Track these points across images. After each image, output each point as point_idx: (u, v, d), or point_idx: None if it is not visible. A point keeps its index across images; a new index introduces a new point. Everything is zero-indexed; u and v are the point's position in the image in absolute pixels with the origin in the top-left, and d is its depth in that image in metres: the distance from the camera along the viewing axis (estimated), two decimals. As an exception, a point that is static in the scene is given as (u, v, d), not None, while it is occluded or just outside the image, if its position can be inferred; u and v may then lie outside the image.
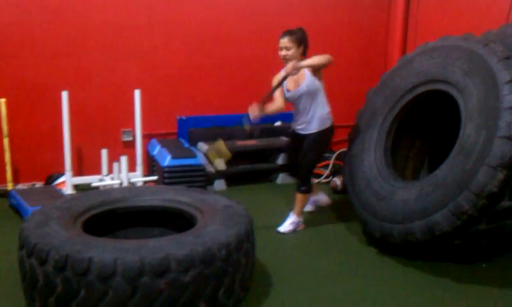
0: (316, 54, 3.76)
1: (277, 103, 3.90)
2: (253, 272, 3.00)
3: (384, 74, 4.17)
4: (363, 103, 4.22)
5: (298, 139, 4.07)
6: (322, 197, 4.63)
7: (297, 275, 3.33)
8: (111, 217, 3.32)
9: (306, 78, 3.84)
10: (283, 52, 3.84)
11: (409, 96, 3.83)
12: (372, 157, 3.85)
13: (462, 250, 3.45)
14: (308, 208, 4.52)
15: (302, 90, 3.86)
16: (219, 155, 3.97)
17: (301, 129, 4.01)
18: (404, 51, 5.84)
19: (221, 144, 3.95)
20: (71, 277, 2.44)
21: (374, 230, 3.61)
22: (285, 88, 3.95)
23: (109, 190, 3.62)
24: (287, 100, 3.98)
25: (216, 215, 3.00)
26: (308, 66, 3.76)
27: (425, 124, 4.19)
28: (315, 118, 3.92)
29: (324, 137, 4.00)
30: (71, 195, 4.32)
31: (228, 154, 3.96)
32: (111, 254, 2.45)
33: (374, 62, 6.32)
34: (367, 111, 4.10)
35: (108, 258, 2.43)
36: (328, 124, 3.96)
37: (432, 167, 4.12)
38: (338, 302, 3.01)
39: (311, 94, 3.87)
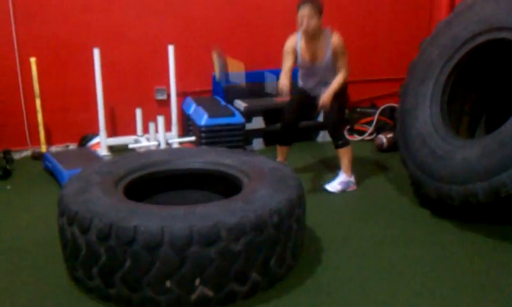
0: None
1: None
2: (304, 239, 2.82)
3: (440, 22, 3.83)
4: (414, 55, 3.91)
5: (307, 97, 3.99)
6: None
7: (348, 240, 3.14)
8: (152, 181, 3.16)
9: (326, 57, 3.76)
10: (305, 22, 3.63)
11: (468, 46, 3.50)
12: (427, 113, 3.57)
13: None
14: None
15: (319, 65, 3.80)
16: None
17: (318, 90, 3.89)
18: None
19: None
20: (115, 246, 2.29)
21: (429, 191, 3.37)
22: (299, 56, 3.82)
23: (148, 152, 3.46)
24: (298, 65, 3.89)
25: (264, 179, 2.80)
26: (335, 92, 3.72)
27: (483, 77, 3.87)
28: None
29: (343, 92, 3.88)
30: (109, 158, 4.18)
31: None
32: (157, 222, 2.29)
33: (419, 10, 5.92)
34: (420, 63, 3.78)
35: (154, 226, 2.27)
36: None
37: (491, 124, 3.84)
38: (394, 268, 2.81)
39: (328, 69, 3.81)
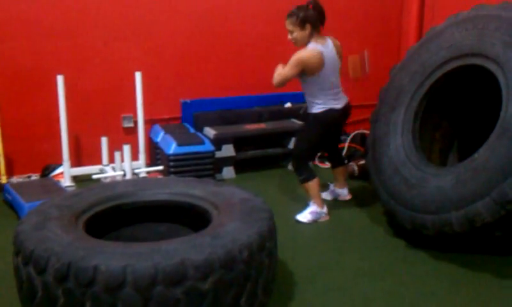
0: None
1: None
2: (276, 273, 2.69)
3: (410, 49, 3.81)
4: (384, 81, 3.87)
5: None
6: (344, 193, 4.29)
7: (322, 273, 3.03)
8: (115, 214, 3.00)
9: None
10: (289, 36, 3.64)
11: (439, 73, 3.48)
12: (399, 140, 3.52)
13: (502, 241, 3.15)
14: (327, 196, 4.22)
15: None
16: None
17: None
18: (421, 24, 5.45)
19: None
20: (74, 288, 2.12)
21: (404, 221, 3.29)
22: None
23: (112, 183, 3.30)
24: None
25: (233, 211, 2.67)
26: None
27: (454, 103, 3.85)
28: (310, 102, 3.77)
29: (314, 123, 3.76)
30: (71, 189, 4.00)
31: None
32: (119, 261, 2.13)
33: (388, 36, 5.95)
34: (391, 90, 3.75)
35: (116, 265, 2.11)
36: (319, 110, 3.72)
37: (463, 151, 3.81)
38: (370, 303, 2.72)
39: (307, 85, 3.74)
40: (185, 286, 2.15)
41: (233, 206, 2.74)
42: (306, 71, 3.59)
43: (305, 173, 3.77)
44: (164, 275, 2.12)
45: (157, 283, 2.11)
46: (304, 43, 3.61)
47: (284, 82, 3.66)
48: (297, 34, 3.57)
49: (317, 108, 3.71)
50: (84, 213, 2.76)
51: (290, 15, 3.59)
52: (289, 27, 3.59)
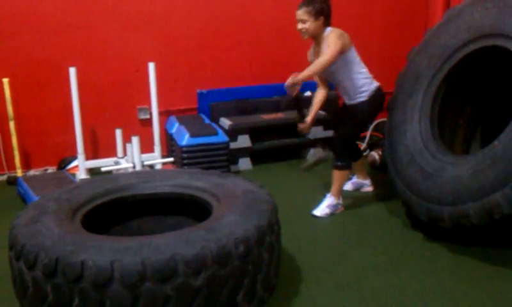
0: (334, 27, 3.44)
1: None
2: (278, 269, 2.56)
3: (429, 31, 3.60)
4: (405, 66, 3.67)
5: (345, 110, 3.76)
6: (367, 184, 4.15)
7: (332, 269, 2.89)
8: (120, 207, 2.94)
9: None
10: (300, 25, 3.42)
11: (458, 55, 3.26)
12: (416, 128, 3.33)
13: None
14: (348, 186, 4.06)
15: (328, 70, 3.49)
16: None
17: (346, 99, 3.70)
18: (448, 5, 5.20)
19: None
20: (62, 284, 2.06)
21: (419, 213, 3.11)
22: (311, 59, 3.63)
23: (115, 176, 3.23)
24: None
25: (234, 203, 2.57)
26: (307, 78, 3.38)
27: (477, 87, 3.63)
28: (356, 87, 3.55)
29: (366, 108, 3.57)
30: (78, 181, 3.97)
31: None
32: (107, 256, 2.06)
33: (415, 18, 5.71)
34: (409, 74, 3.55)
35: (103, 260, 2.04)
36: (371, 92, 3.55)
37: (487, 138, 3.59)
38: (380, 299, 2.56)
39: (338, 70, 3.50)
40: (176, 283, 2.06)
41: (235, 199, 2.64)
42: (344, 47, 3.40)
43: (346, 160, 3.66)
44: (152, 271, 2.03)
45: (146, 279, 2.03)
46: (314, 35, 3.45)
47: (333, 59, 3.35)
48: (311, 24, 3.38)
49: (367, 88, 3.54)
50: (82, 207, 2.70)
51: (305, 4, 3.39)
52: (304, 16, 3.39)
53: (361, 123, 3.74)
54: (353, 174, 4.15)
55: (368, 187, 4.14)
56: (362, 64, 3.55)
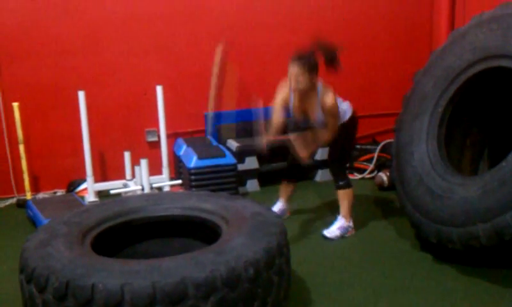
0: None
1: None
2: (288, 291, 2.55)
3: (434, 52, 3.63)
4: (410, 88, 3.70)
5: None
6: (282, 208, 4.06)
7: (341, 291, 2.88)
8: (129, 230, 2.95)
9: (318, 116, 3.52)
10: (293, 81, 3.40)
11: (464, 77, 3.28)
12: (423, 149, 3.34)
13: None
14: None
15: (313, 122, 3.60)
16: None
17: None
18: (452, 27, 5.24)
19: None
20: (72, 307, 2.07)
21: (429, 234, 3.11)
22: (291, 112, 3.66)
23: (124, 199, 3.25)
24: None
25: (243, 226, 2.57)
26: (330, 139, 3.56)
27: (483, 108, 3.64)
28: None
29: (347, 129, 3.61)
30: (86, 205, 3.99)
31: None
32: (117, 279, 2.06)
33: (420, 40, 5.75)
34: (415, 96, 3.57)
35: (114, 284, 2.04)
36: (347, 116, 3.60)
37: (494, 158, 3.59)
38: (390, 323, 2.55)
39: (323, 125, 3.57)
40: (186, 306, 2.06)
41: (243, 221, 2.64)
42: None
43: (346, 179, 3.67)
44: (163, 295, 2.03)
45: (156, 303, 2.03)
46: (306, 88, 3.42)
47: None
48: (306, 79, 3.37)
49: (348, 113, 3.61)
50: (92, 230, 2.71)
51: (299, 59, 3.37)
52: (298, 72, 3.36)
53: (346, 141, 3.70)
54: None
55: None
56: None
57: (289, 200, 4.05)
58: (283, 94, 3.60)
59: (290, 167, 3.99)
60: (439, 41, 5.22)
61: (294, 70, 3.37)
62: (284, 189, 4.03)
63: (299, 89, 3.42)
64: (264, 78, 5.23)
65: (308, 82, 3.39)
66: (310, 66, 3.37)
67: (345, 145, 3.71)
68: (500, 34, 3.07)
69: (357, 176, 5.07)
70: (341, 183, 3.65)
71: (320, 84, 3.47)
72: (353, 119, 3.63)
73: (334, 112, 3.45)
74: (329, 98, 3.42)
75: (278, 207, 4.00)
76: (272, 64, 5.24)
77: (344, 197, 3.66)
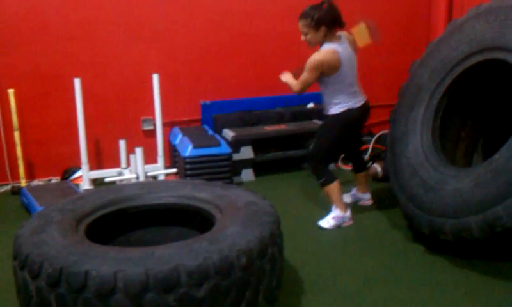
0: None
1: None
2: (281, 280, 2.57)
3: (431, 44, 3.63)
4: (406, 79, 3.70)
5: None
6: (366, 198, 4.11)
7: (333, 280, 2.90)
8: (123, 217, 2.96)
9: None
10: (302, 37, 3.49)
11: (460, 69, 3.29)
12: (417, 140, 3.35)
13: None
14: (347, 198, 4.06)
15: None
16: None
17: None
18: (450, 18, 5.23)
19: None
20: (66, 294, 2.08)
21: (421, 225, 3.13)
22: None
23: (119, 186, 3.25)
24: None
25: (237, 215, 2.58)
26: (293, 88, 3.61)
27: (478, 100, 3.65)
28: (328, 103, 3.61)
29: (333, 124, 3.60)
30: (81, 192, 3.99)
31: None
32: (110, 266, 2.08)
33: (417, 31, 5.74)
34: (410, 87, 3.57)
35: (107, 271, 2.06)
36: (338, 110, 3.55)
37: (488, 150, 3.60)
38: (381, 312, 2.57)
39: (321, 86, 3.60)
40: (179, 293, 2.08)
41: (237, 210, 2.65)
42: (324, 73, 3.44)
43: (324, 176, 3.61)
44: (155, 282, 2.05)
45: (149, 290, 2.05)
46: (319, 45, 3.47)
47: (305, 88, 3.54)
48: (312, 36, 3.42)
49: (336, 108, 3.55)
50: (87, 217, 2.72)
51: (303, 16, 3.42)
52: (303, 29, 3.43)
53: (329, 137, 3.63)
54: (354, 187, 4.16)
55: (366, 201, 4.10)
56: (343, 92, 3.53)
57: (364, 188, 4.10)
58: None
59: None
60: (436, 32, 5.22)
61: (299, 25, 3.46)
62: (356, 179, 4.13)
63: (310, 45, 3.50)
64: (262, 67, 5.23)
65: (316, 38, 3.43)
66: (316, 21, 3.38)
67: (327, 139, 3.61)
68: (497, 26, 3.07)
69: (349, 166, 5.08)
70: (319, 181, 3.63)
71: (326, 44, 3.44)
72: (344, 117, 3.54)
73: (307, 67, 3.44)
74: (312, 56, 3.43)
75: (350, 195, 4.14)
76: (271, 52, 5.24)
77: (328, 193, 3.64)
